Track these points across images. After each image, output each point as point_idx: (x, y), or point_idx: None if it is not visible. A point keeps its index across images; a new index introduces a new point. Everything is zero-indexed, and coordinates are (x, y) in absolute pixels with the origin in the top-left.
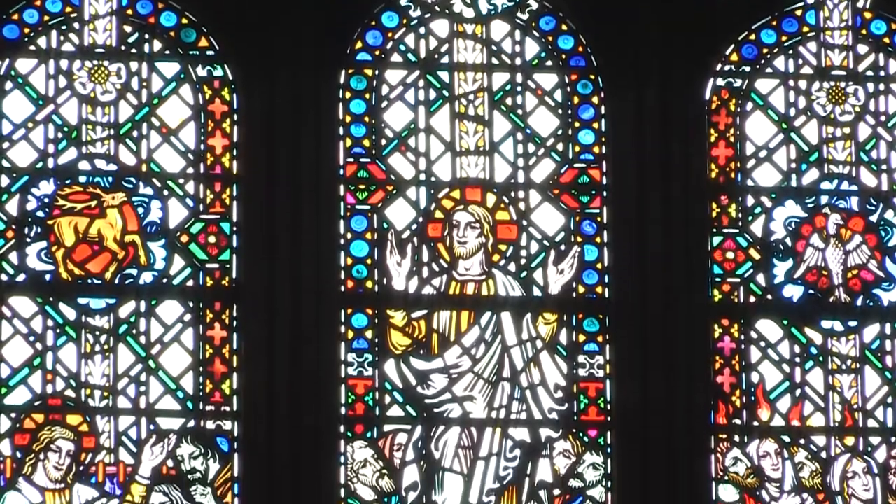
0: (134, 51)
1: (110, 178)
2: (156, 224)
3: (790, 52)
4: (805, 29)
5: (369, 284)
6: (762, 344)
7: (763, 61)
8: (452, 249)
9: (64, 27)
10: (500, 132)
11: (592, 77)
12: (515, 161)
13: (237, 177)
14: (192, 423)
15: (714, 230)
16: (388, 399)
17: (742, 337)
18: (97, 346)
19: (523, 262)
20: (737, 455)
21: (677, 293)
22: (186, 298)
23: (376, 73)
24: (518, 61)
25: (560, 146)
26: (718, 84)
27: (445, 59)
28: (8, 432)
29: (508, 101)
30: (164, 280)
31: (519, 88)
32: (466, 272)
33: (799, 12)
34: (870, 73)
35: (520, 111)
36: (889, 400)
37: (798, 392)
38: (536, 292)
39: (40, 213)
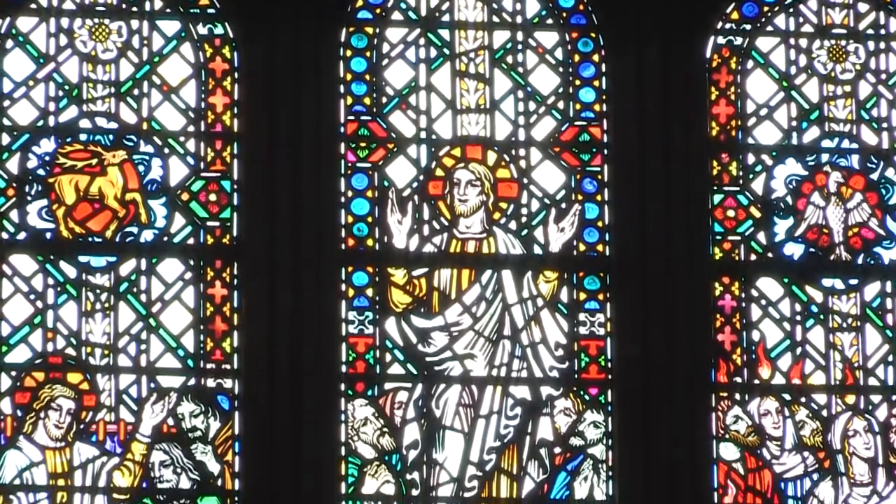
0: (135, 9)
1: (111, 137)
2: (156, 182)
3: (791, 10)
4: None
5: (370, 242)
6: (763, 302)
7: (764, 19)
8: (453, 207)
9: None
10: (500, 90)
11: (593, 35)
12: (516, 119)
13: (238, 135)
14: (192, 382)
15: (715, 188)
16: (388, 357)
17: (743, 295)
18: (98, 304)
19: (524, 220)
20: (737, 413)
21: (678, 251)
22: (187, 256)
23: (377, 31)
24: (519, 19)
25: (561, 104)
26: (719, 42)
27: (446, 18)
28: (8, 391)
29: (509, 59)
30: (165, 238)
31: (520, 46)
32: (467, 230)
33: None
34: (870, 31)
35: (520, 69)
36: (890, 358)
37: (799, 350)
38: (537, 250)
39: (41, 172)
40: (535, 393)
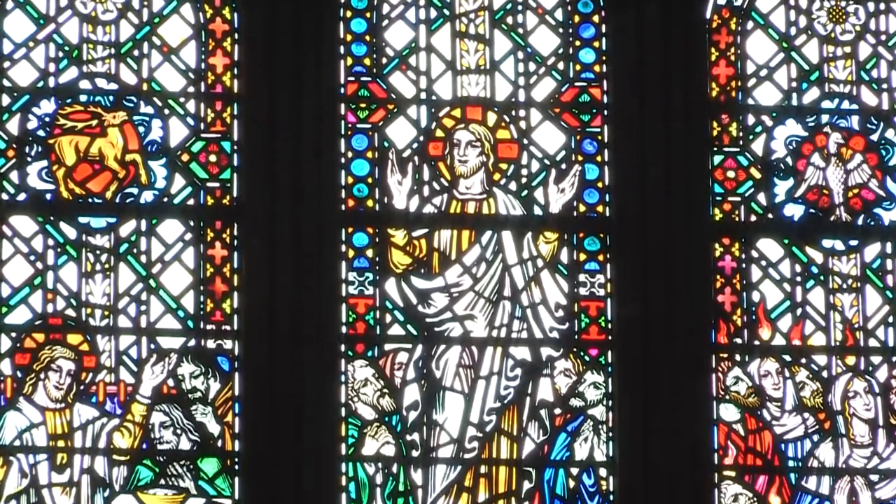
0: None
1: (111, 98)
2: (156, 143)
3: None
4: None
5: (370, 203)
6: (763, 263)
7: None
8: (453, 168)
9: None
10: (500, 51)
11: None
12: (516, 80)
13: (238, 96)
14: (192, 343)
15: (715, 149)
16: (388, 318)
17: (743, 256)
18: (98, 265)
19: (524, 180)
20: (738, 374)
21: (678, 212)
22: (187, 217)
23: None
24: None
25: (561, 65)
26: (719, 3)
27: None
28: (8, 352)
29: (509, 19)
30: (165, 199)
31: (519, 7)
32: (467, 191)
33: None
34: None
35: (520, 30)
36: (890, 319)
37: (799, 311)
38: (537, 211)
39: (41, 133)
40: (535, 354)
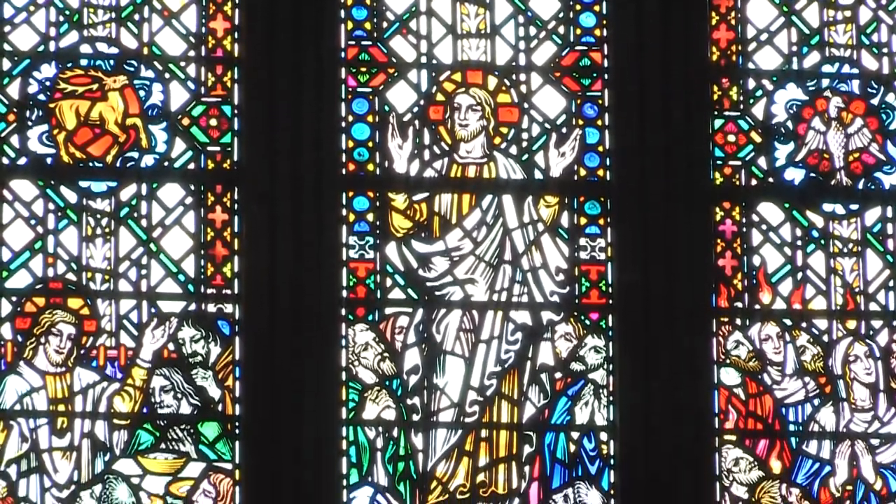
0: None
1: (111, 62)
2: (157, 107)
3: None
4: None
5: (370, 167)
6: (763, 227)
7: None
8: (454, 132)
9: None
10: (501, 15)
11: None
12: (517, 44)
13: (238, 60)
14: (193, 307)
15: (715, 113)
16: (389, 282)
17: (743, 220)
18: (98, 229)
19: (524, 144)
20: (738, 338)
21: (678, 176)
22: (187, 181)
23: None
24: None
25: (561, 29)
26: None
27: None
28: (9, 316)
29: None
30: (166, 163)
31: None
32: (468, 155)
33: None
34: None
35: None
36: (891, 283)
37: (799, 275)
38: (538, 175)
39: (41, 97)
40: (535, 318)
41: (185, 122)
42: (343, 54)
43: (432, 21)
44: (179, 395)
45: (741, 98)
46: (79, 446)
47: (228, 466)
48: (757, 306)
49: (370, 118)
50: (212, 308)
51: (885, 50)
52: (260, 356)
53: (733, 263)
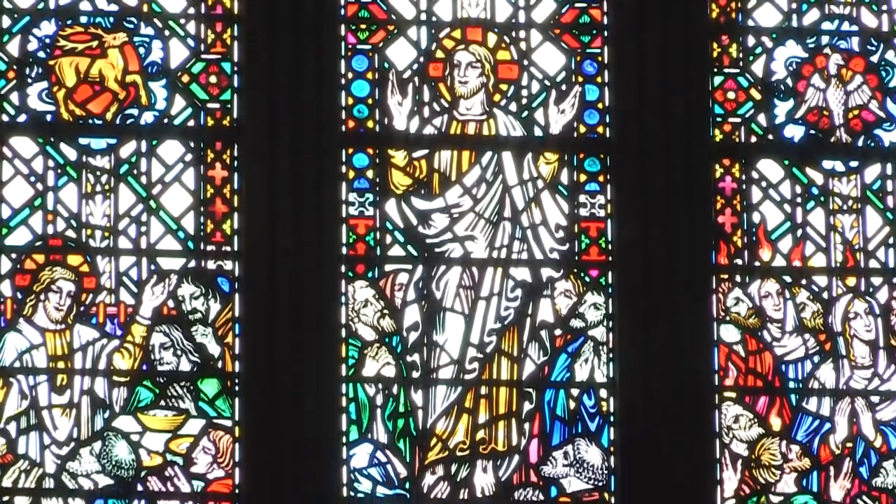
0: None
1: (111, 19)
2: (157, 64)
3: None
4: None
5: (370, 124)
6: (763, 184)
7: None
8: (453, 89)
9: None
10: None
11: None
12: (516, 1)
13: (238, 17)
14: (192, 264)
15: (715, 70)
16: (388, 239)
17: (743, 177)
18: (98, 186)
19: (524, 101)
20: (738, 295)
21: (678, 133)
22: (187, 138)
23: None
24: None
25: None
26: None
27: None
28: (8, 273)
29: None
30: (165, 120)
31: None
32: (467, 112)
33: None
34: None
35: None
36: (890, 240)
37: (799, 232)
38: (537, 132)
39: (41, 54)
40: (535, 275)
41: (185, 79)
42: (343, 11)
43: None
44: (179, 352)
45: (741, 55)
46: (78, 403)
47: (228, 423)
48: (757, 263)
49: (370, 75)
50: (211, 265)
51: (884, 7)
52: (259, 313)
53: (733, 220)
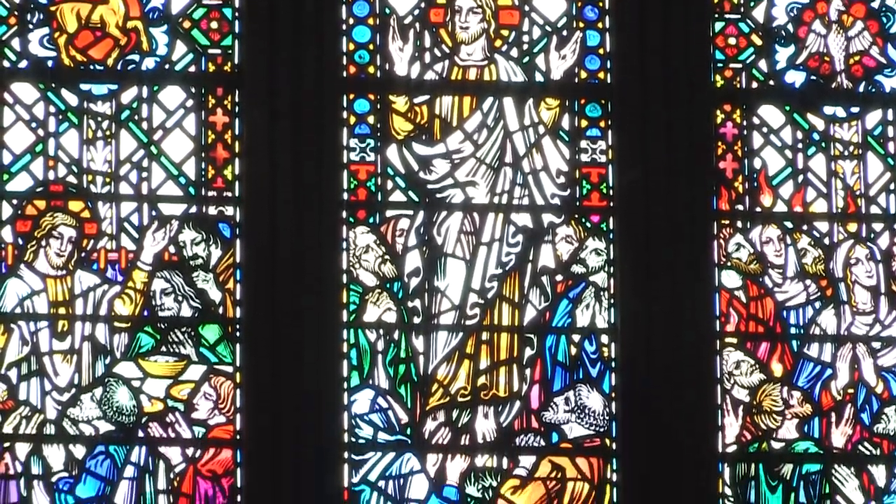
0: None
1: None
2: (158, 10)
3: None
4: None
5: (371, 70)
6: (764, 130)
7: None
8: (454, 35)
9: None
10: None
11: None
12: None
13: None
14: (194, 209)
15: (716, 16)
16: (390, 184)
17: (744, 122)
18: (99, 131)
19: (525, 47)
20: (739, 241)
21: (679, 79)
22: (188, 84)
23: None
24: None
25: None
26: None
27: None
28: (10, 219)
29: None
30: (167, 66)
31: None
32: (468, 57)
33: None
34: None
35: None
36: (891, 186)
37: (800, 178)
38: (538, 78)
39: (42, 0)
40: (536, 220)
41: (186, 24)
42: None
43: None
44: (180, 298)
45: (742, 1)
46: (79, 349)
47: (229, 369)
48: (758, 209)
49: (371, 21)
50: (212, 211)
51: None
52: (261, 259)
53: (734, 166)
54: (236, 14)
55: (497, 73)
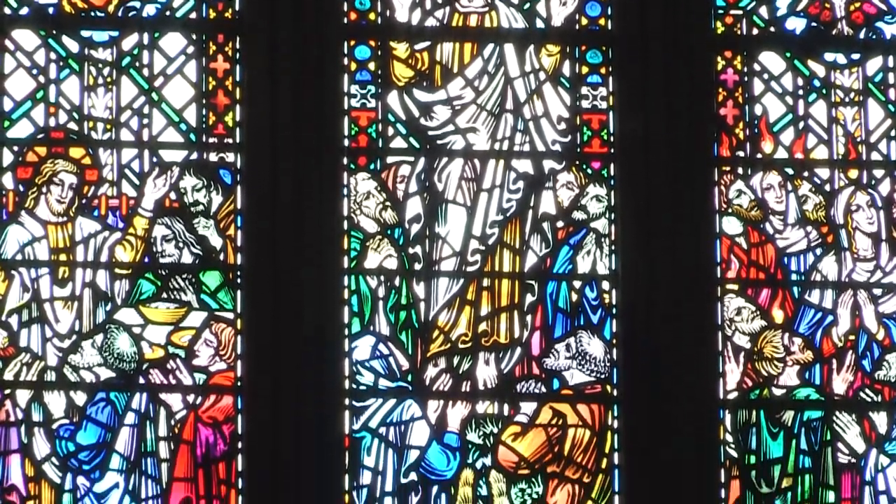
0: None
1: None
2: None
3: None
4: None
5: (372, 16)
6: (765, 76)
7: None
8: None
9: None
10: None
11: None
12: None
13: None
14: (194, 156)
15: None
16: (391, 131)
17: (745, 69)
18: (100, 78)
19: None
20: (740, 187)
21: (680, 25)
22: (189, 31)
23: None
24: None
25: None
26: None
27: None
28: (10, 166)
29: None
30: (168, 12)
31: None
32: (469, 4)
33: None
34: None
35: None
36: (892, 133)
37: (801, 125)
38: (539, 24)
39: None
40: (537, 167)
41: None
42: None
43: None
44: (181, 245)
45: None
46: (80, 296)
47: (230, 316)
48: (759, 155)
49: None
50: (213, 157)
51: None
52: (262, 205)
53: (735, 112)
54: None
55: (498, 20)
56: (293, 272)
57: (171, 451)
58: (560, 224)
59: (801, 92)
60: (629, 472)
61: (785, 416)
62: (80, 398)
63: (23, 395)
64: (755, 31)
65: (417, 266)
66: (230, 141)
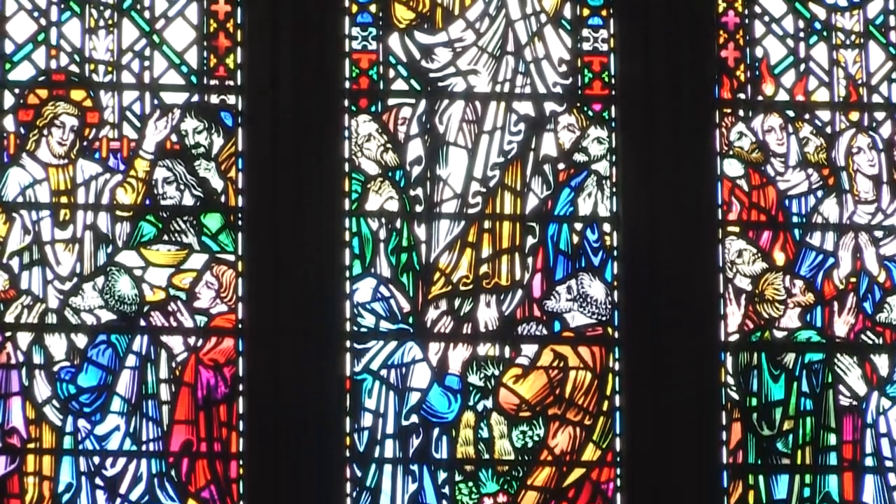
0: None
1: None
2: None
3: None
4: None
5: None
6: (766, 18)
7: None
8: None
9: None
10: None
11: None
12: None
13: None
14: (195, 98)
15: None
16: (392, 73)
17: (746, 11)
18: (101, 21)
19: None
20: (741, 129)
21: None
22: None
23: None
24: None
25: None
26: None
27: None
28: (12, 108)
29: None
30: None
31: None
32: None
33: None
34: None
35: None
36: (893, 75)
37: (802, 67)
38: None
39: None
40: (538, 109)
41: None
42: None
43: None
44: (182, 187)
45: None
46: (81, 238)
47: (231, 258)
48: (760, 98)
49: None
50: (214, 99)
51: None
52: (263, 147)
53: (736, 55)
54: None
55: None
56: (294, 214)
57: (171, 394)
58: (561, 166)
59: (802, 34)
60: (630, 415)
61: (786, 359)
62: (81, 341)
63: (24, 338)
64: None
65: (419, 208)
66: (231, 83)
